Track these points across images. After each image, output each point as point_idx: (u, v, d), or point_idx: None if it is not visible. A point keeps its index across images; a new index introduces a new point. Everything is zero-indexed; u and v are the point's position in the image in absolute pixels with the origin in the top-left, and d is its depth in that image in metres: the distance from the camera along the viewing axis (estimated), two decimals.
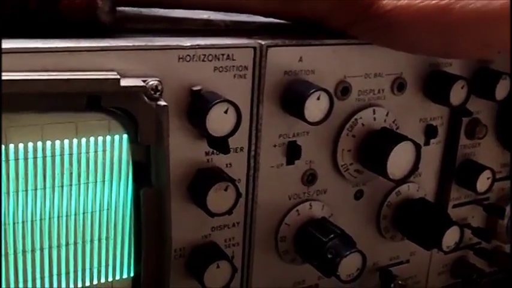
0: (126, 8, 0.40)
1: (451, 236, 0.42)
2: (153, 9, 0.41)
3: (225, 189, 0.35)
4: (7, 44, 0.29)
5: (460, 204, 0.49)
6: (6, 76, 0.28)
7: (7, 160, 0.30)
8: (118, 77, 0.30)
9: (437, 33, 0.36)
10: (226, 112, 0.33)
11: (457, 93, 0.42)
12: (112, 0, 0.34)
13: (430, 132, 0.44)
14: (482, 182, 0.46)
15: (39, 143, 0.31)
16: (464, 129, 0.46)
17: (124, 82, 0.31)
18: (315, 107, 0.36)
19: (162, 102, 0.32)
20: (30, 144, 0.31)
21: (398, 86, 0.42)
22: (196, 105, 0.33)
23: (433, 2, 0.34)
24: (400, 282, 0.46)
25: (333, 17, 0.38)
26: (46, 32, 0.32)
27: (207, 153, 0.36)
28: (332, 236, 0.38)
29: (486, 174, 0.46)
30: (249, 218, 0.38)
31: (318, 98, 0.36)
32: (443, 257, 0.50)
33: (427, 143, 0.45)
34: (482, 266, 0.51)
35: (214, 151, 0.36)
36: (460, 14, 0.34)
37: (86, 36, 0.33)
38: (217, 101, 0.33)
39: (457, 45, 0.37)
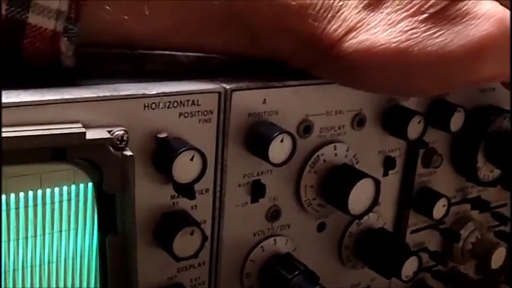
0: None
1: (409, 266, 0.44)
2: None
3: (191, 234, 0.35)
4: None
5: (418, 229, 0.50)
6: None
7: None
8: (83, 130, 0.30)
9: (398, 75, 0.37)
10: (192, 159, 0.33)
11: (414, 128, 0.43)
12: (76, 43, 0.34)
13: (388, 163, 0.46)
14: (438, 210, 0.48)
15: (3, 196, 0.31)
16: (421, 158, 0.48)
17: (89, 135, 0.31)
18: (278, 149, 0.36)
19: (128, 152, 0.32)
20: None
21: (358, 121, 0.43)
22: (162, 152, 0.34)
23: (393, 45, 0.36)
24: None
25: (295, 58, 0.39)
26: (7, 74, 0.32)
27: (172, 197, 0.36)
28: (296, 272, 0.39)
29: (442, 202, 0.48)
30: (214, 258, 0.39)
31: (282, 141, 0.36)
32: None
33: (385, 174, 0.46)
34: (440, 287, 0.53)
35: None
36: (420, 56, 0.36)
37: (49, 77, 0.32)
38: (183, 149, 0.33)
39: (417, 86, 0.38)
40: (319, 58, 0.38)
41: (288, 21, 0.36)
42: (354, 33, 0.36)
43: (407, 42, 0.36)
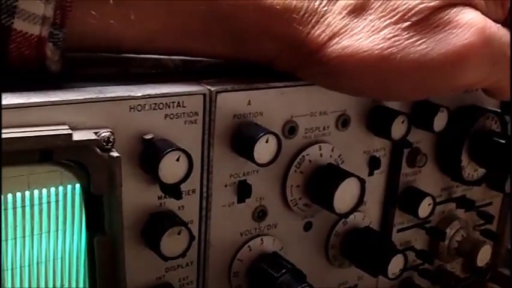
0: None
1: (396, 264, 0.45)
2: None
3: (178, 233, 0.36)
4: None
5: (404, 228, 0.51)
6: None
7: None
8: (70, 131, 0.31)
9: (380, 80, 0.38)
10: (178, 160, 0.34)
11: (398, 128, 0.44)
12: (62, 48, 0.34)
13: (373, 163, 0.46)
14: (424, 209, 0.49)
15: None
16: (405, 158, 0.49)
17: (76, 136, 0.31)
18: (263, 149, 0.37)
19: (115, 154, 0.32)
20: None
21: (343, 122, 0.43)
22: (148, 153, 0.34)
23: (376, 51, 0.36)
24: None
25: (280, 61, 0.39)
26: None
27: (159, 197, 0.36)
28: (283, 271, 0.40)
29: (427, 200, 0.49)
30: (202, 257, 0.39)
31: (267, 141, 0.37)
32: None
33: (371, 174, 0.47)
34: (427, 285, 0.54)
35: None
36: (401, 63, 0.36)
37: (36, 81, 0.33)
38: (169, 150, 0.33)
39: (398, 91, 0.39)
40: (303, 62, 0.39)
41: (273, 25, 0.37)
42: (337, 39, 0.37)
43: (390, 49, 0.36)
